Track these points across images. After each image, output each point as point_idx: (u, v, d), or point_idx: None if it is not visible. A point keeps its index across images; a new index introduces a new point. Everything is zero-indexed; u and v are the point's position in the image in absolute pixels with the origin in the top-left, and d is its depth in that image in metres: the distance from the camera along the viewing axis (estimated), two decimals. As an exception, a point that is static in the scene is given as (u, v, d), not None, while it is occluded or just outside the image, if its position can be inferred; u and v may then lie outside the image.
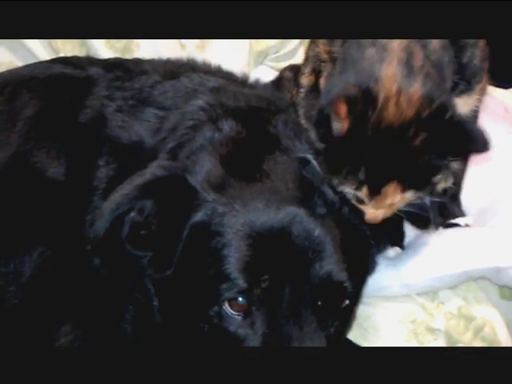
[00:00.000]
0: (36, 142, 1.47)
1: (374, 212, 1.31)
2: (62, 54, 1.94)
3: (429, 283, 1.51)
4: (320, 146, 1.33)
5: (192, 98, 1.52)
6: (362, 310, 1.44)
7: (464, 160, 1.56)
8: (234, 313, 1.23)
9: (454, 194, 1.61)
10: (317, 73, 1.48)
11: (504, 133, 1.78)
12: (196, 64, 1.71)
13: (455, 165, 1.54)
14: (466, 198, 1.64)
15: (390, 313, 1.50)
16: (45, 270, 1.38)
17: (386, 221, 1.36)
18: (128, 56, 1.96)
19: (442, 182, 1.59)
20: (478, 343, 1.50)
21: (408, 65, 1.25)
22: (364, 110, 1.22)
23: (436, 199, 1.62)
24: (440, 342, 1.49)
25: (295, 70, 1.71)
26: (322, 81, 1.45)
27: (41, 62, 1.77)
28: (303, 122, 1.48)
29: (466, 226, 1.60)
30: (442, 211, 1.62)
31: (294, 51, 2.26)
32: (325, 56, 1.43)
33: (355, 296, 1.35)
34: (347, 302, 1.29)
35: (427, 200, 1.38)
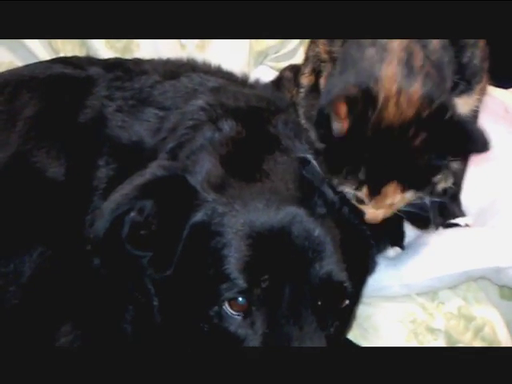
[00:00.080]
0: (36, 141, 1.47)
1: (373, 212, 1.31)
2: (61, 54, 1.94)
3: (429, 283, 1.51)
4: (320, 145, 1.33)
5: (192, 97, 1.52)
6: (361, 310, 1.43)
7: (464, 160, 1.56)
8: (233, 313, 1.23)
9: (454, 194, 1.61)
10: (317, 73, 1.48)
11: (504, 133, 1.78)
12: (196, 64, 1.71)
13: (455, 165, 1.54)
14: (466, 197, 1.64)
15: (390, 313, 1.50)
16: (45, 270, 1.38)
17: (386, 221, 1.36)
18: (128, 56, 1.96)
19: (442, 182, 1.59)
20: (478, 343, 1.50)
21: (408, 65, 1.25)
22: (364, 110, 1.22)
23: (436, 199, 1.62)
24: (440, 342, 1.49)
25: (295, 69, 1.71)
26: (322, 81, 1.45)
27: (41, 62, 1.77)
28: (303, 121, 1.48)
29: (466, 225, 1.60)
30: (442, 211, 1.62)
31: (294, 51, 2.26)
32: (325, 56, 1.43)
33: (355, 296, 1.35)
34: (347, 302, 1.29)
35: (427, 200, 1.38)
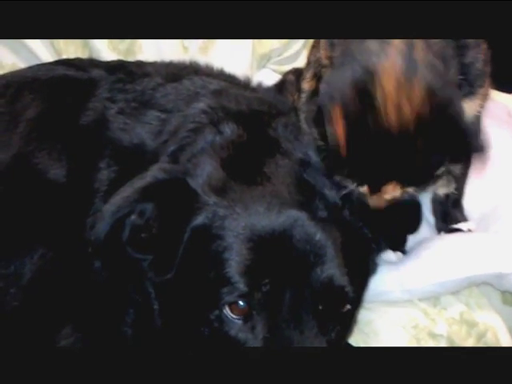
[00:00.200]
0: (37, 143, 1.47)
1: (376, 202, 1.29)
2: (64, 56, 1.94)
3: (431, 288, 1.50)
4: (321, 143, 1.33)
5: (194, 100, 1.52)
6: (363, 315, 1.43)
7: (466, 165, 1.56)
8: (234, 317, 1.22)
9: (456, 199, 1.61)
10: (318, 78, 1.47)
11: (507, 137, 1.78)
12: (198, 67, 1.71)
13: (457, 170, 1.53)
14: (469, 203, 1.64)
15: (392, 318, 1.50)
16: (45, 272, 1.37)
17: (387, 223, 1.36)
18: (131, 58, 1.95)
19: (445, 188, 1.59)
20: (480, 349, 1.50)
21: (409, 58, 1.21)
22: (361, 112, 1.20)
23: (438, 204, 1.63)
24: (442, 348, 1.48)
25: (298, 73, 1.71)
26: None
27: (43, 64, 1.77)
28: (304, 126, 1.47)
29: (469, 231, 1.60)
30: (444, 216, 1.62)
31: (296, 54, 2.25)
32: (326, 61, 1.42)
33: (356, 300, 1.35)
34: (348, 306, 1.29)
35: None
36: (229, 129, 1.42)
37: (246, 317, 1.22)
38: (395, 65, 1.20)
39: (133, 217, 1.30)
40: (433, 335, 1.47)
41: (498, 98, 1.92)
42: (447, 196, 1.60)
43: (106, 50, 1.99)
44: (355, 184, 1.27)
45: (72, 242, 1.39)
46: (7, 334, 1.37)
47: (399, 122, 1.19)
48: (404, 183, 1.25)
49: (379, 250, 1.47)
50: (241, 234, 1.25)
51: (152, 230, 1.32)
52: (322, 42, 1.43)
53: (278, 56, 2.26)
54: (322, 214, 1.31)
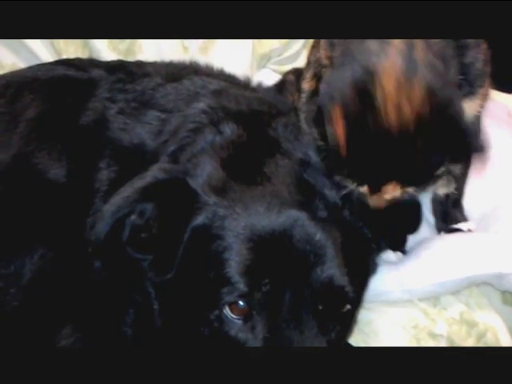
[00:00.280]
0: (37, 143, 1.47)
1: (376, 202, 1.30)
2: (64, 56, 1.94)
3: (431, 288, 1.50)
4: (321, 143, 1.33)
5: (194, 100, 1.52)
6: (363, 315, 1.43)
7: (466, 165, 1.56)
8: (234, 317, 1.22)
9: (456, 200, 1.61)
10: (318, 78, 1.47)
11: (507, 137, 1.78)
12: (198, 67, 1.71)
13: (457, 170, 1.53)
14: (469, 203, 1.64)
15: (392, 318, 1.50)
16: (45, 272, 1.37)
17: (387, 224, 1.36)
18: (131, 58, 1.95)
19: (444, 188, 1.59)
20: (480, 349, 1.50)
21: (409, 58, 1.21)
22: (361, 112, 1.20)
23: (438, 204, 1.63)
24: (442, 348, 1.48)
25: (298, 73, 1.71)
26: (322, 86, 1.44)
27: (43, 64, 1.77)
28: (304, 126, 1.47)
29: (469, 231, 1.60)
30: (445, 216, 1.62)
31: (297, 54, 2.25)
32: (326, 61, 1.42)
33: (356, 300, 1.34)
34: (348, 306, 1.29)
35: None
36: (229, 129, 1.42)
37: (246, 317, 1.22)
38: (395, 65, 1.20)
39: (133, 217, 1.30)
40: (433, 335, 1.47)
41: (498, 98, 1.92)
42: (447, 196, 1.60)
43: (106, 50, 1.99)
44: (355, 184, 1.27)
45: (72, 242, 1.39)
46: (7, 334, 1.37)
47: (399, 122, 1.19)
48: (404, 183, 1.25)
49: (379, 250, 1.47)
50: (241, 233, 1.25)
51: (152, 230, 1.31)
52: (322, 42, 1.43)
53: (278, 56, 2.26)
54: (322, 214, 1.31)
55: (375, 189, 1.26)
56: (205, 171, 1.33)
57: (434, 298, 1.52)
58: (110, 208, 1.27)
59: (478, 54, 1.38)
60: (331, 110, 1.21)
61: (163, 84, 1.57)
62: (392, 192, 1.26)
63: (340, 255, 1.28)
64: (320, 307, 1.23)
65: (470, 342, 1.49)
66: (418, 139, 1.20)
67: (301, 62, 2.00)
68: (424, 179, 1.29)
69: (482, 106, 1.42)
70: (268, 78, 2.06)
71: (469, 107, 1.38)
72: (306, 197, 1.32)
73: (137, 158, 1.45)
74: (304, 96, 1.52)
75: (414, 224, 1.46)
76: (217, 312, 1.23)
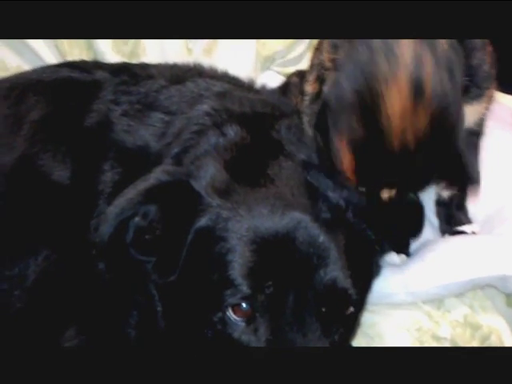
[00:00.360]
0: (42, 145, 1.47)
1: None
2: (68, 58, 1.94)
3: (435, 291, 1.50)
4: (324, 149, 1.34)
5: (197, 102, 1.52)
6: (367, 318, 1.42)
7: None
8: (237, 319, 1.22)
9: (459, 202, 1.61)
10: (321, 81, 1.47)
11: (511, 140, 1.78)
12: (202, 69, 1.71)
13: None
14: (473, 205, 1.63)
15: (396, 321, 1.49)
16: (50, 274, 1.37)
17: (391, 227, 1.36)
18: (135, 60, 1.96)
19: (448, 190, 1.59)
20: (484, 352, 1.49)
21: (417, 80, 1.23)
22: (366, 138, 1.23)
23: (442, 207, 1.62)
24: (446, 351, 1.48)
25: (302, 75, 1.71)
26: (325, 89, 1.44)
27: (48, 66, 1.78)
28: (307, 129, 1.47)
29: (473, 233, 1.60)
30: (448, 219, 1.62)
31: (300, 56, 2.25)
32: (329, 64, 1.42)
33: (360, 303, 1.34)
34: (352, 309, 1.29)
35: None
36: (232, 131, 1.42)
37: (249, 319, 1.22)
38: (402, 91, 1.22)
39: (136, 219, 1.30)
40: (437, 338, 1.47)
41: (502, 100, 1.92)
42: (451, 198, 1.60)
43: (110, 52, 2.00)
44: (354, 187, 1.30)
45: (76, 243, 1.39)
46: (11, 335, 1.37)
47: (402, 146, 1.22)
48: (399, 189, 1.27)
49: (383, 252, 1.47)
50: (244, 236, 1.25)
51: (155, 232, 1.31)
52: (325, 44, 1.43)
53: (282, 58, 2.26)
54: (326, 215, 1.31)
55: (372, 193, 1.29)
56: (208, 173, 1.33)
57: (437, 301, 1.52)
58: (113, 210, 1.27)
59: (485, 55, 1.38)
60: (338, 142, 1.23)
61: (167, 86, 1.58)
62: (388, 195, 1.29)
63: (343, 257, 1.27)
64: (323, 309, 1.23)
65: (473, 345, 1.48)
66: (417, 158, 1.23)
67: (304, 64, 2.01)
68: (419, 186, 1.31)
69: (487, 108, 1.43)
70: (272, 80, 2.06)
71: (475, 110, 1.39)
72: (309, 199, 1.32)
73: (140, 160, 1.45)
74: (307, 99, 1.52)
75: (416, 228, 1.46)
76: (220, 314, 1.22)
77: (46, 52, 1.95)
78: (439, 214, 1.64)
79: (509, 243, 1.55)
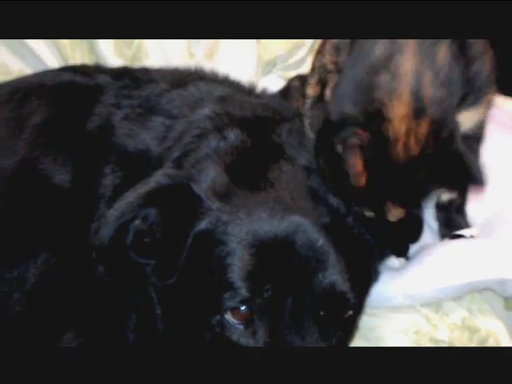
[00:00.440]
0: (43, 148, 1.48)
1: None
2: (70, 62, 1.95)
3: (433, 294, 1.50)
4: (326, 168, 1.34)
5: (198, 106, 1.53)
6: (365, 321, 1.43)
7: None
8: (235, 322, 1.23)
9: (459, 205, 1.61)
10: (323, 84, 1.48)
11: (511, 143, 1.78)
12: (204, 73, 1.72)
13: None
14: (473, 208, 1.64)
15: (394, 324, 1.49)
16: (49, 277, 1.38)
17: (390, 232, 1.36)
18: (137, 64, 1.97)
19: (448, 194, 1.59)
20: (481, 355, 1.49)
21: (418, 95, 1.25)
22: (375, 153, 1.25)
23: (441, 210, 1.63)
24: (444, 354, 1.48)
25: (303, 79, 1.71)
26: (327, 91, 1.45)
27: (50, 70, 1.79)
28: (308, 132, 1.48)
29: (471, 237, 1.60)
30: (448, 222, 1.62)
31: (302, 61, 2.25)
32: (331, 67, 1.43)
33: (358, 306, 1.35)
34: (350, 312, 1.29)
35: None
36: (233, 134, 1.43)
37: (248, 322, 1.23)
38: (405, 106, 1.25)
39: (136, 222, 1.31)
40: (434, 341, 1.47)
41: (502, 103, 1.92)
42: (450, 202, 1.61)
43: (112, 56, 2.00)
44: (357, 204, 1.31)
45: (76, 246, 1.40)
46: (10, 338, 1.37)
47: (406, 157, 1.25)
48: (403, 204, 1.29)
49: (382, 257, 1.47)
50: (243, 239, 1.26)
51: (155, 235, 1.32)
52: (327, 47, 1.45)
53: (283, 62, 2.26)
54: (325, 219, 1.31)
55: (376, 210, 1.30)
56: (209, 177, 1.33)
57: (436, 304, 1.52)
58: (114, 213, 1.28)
59: (484, 62, 1.39)
60: (351, 151, 1.24)
61: (169, 90, 1.58)
62: (392, 211, 1.30)
63: (342, 261, 1.28)
64: (321, 313, 1.23)
65: (471, 348, 1.49)
66: (422, 169, 1.25)
67: (306, 69, 2.01)
68: (422, 199, 1.33)
69: (486, 113, 1.43)
70: (273, 84, 2.07)
71: (474, 115, 1.40)
72: (309, 203, 1.33)
73: (141, 164, 1.46)
74: (308, 102, 1.53)
75: (415, 233, 1.46)
76: (218, 317, 1.23)
77: (49, 56, 1.95)
78: (438, 218, 1.65)
79: (507, 246, 1.56)
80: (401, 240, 1.49)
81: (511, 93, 2.03)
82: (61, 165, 1.46)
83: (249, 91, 1.69)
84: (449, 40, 1.32)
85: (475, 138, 1.45)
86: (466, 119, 1.35)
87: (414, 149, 1.24)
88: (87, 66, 1.81)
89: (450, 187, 1.45)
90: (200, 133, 1.45)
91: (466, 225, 1.61)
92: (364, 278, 1.38)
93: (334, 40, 1.44)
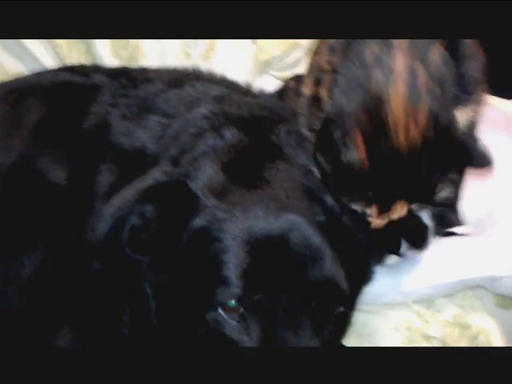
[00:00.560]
0: (39, 147, 1.48)
1: (378, 222, 1.32)
2: (67, 62, 1.95)
3: (425, 291, 1.51)
4: (327, 167, 1.34)
5: (195, 106, 1.53)
6: (357, 317, 1.44)
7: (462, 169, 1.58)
8: (229, 317, 1.24)
9: (452, 203, 1.62)
10: (318, 83, 1.49)
11: (504, 143, 1.79)
12: (200, 73, 1.73)
13: (453, 174, 1.55)
14: (465, 207, 1.65)
15: (386, 320, 1.50)
16: (44, 273, 1.38)
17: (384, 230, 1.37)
18: (134, 64, 1.97)
19: (446, 191, 1.60)
20: (472, 351, 1.51)
21: (413, 86, 1.27)
22: (375, 137, 1.25)
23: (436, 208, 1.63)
24: (435, 350, 1.49)
25: (299, 80, 1.72)
26: (322, 91, 1.47)
27: (47, 70, 1.80)
28: (303, 130, 1.49)
29: (464, 234, 1.61)
30: (440, 220, 1.63)
31: (298, 61, 2.26)
32: (326, 66, 1.44)
33: (351, 303, 1.36)
34: (342, 309, 1.30)
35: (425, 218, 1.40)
36: (230, 133, 1.43)
37: (241, 318, 1.24)
38: (402, 93, 1.26)
39: (132, 218, 1.31)
40: (426, 337, 1.48)
41: (496, 103, 1.93)
42: (444, 200, 1.61)
43: (108, 56, 2.01)
44: (363, 205, 1.30)
45: (71, 243, 1.41)
46: (5, 334, 1.38)
47: (408, 143, 1.25)
48: (411, 200, 1.29)
49: (378, 259, 1.48)
50: (238, 236, 1.27)
51: (151, 232, 1.33)
52: (323, 47, 1.46)
53: (280, 63, 2.27)
54: (320, 218, 1.32)
55: (384, 208, 1.29)
56: (205, 174, 1.34)
57: (428, 301, 1.53)
58: (110, 209, 1.29)
59: (475, 62, 1.41)
60: (354, 135, 1.25)
61: (165, 90, 1.59)
62: (400, 210, 1.29)
63: (336, 258, 1.29)
64: (314, 306, 1.24)
65: (462, 344, 1.49)
66: (425, 157, 1.25)
67: (302, 69, 2.01)
68: (429, 195, 1.32)
69: (477, 112, 1.45)
70: (269, 84, 2.08)
71: (464, 114, 1.41)
72: (304, 201, 1.34)
73: (137, 162, 1.46)
74: (304, 100, 1.54)
75: (418, 238, 1.47)
76: (212, 313, 1.24)
77: (45, 56, 1.96)
78: (431, 216, 1.66)
79: (498, 245, 1.57)
80: (397, 241, 1.49)
81: (504, 93, 2.05)
82: (57, 162, 1.47)
83: (245, 91, 1.70)
84: (440, 40, 1.33)
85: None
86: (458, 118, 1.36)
87: (415, 134, 1.25)
88: (84, 65, 1.81)
89: (454, 175, 1.45)
90: (197, 132, 1.46)
91: (459, 223, 1.63)
92: (358, 277, 1.39)
93: (329, 40, 1.45)
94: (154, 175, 1.32)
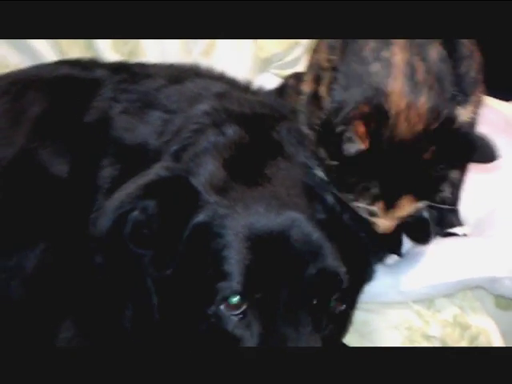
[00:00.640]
0: (41, 140, 1.48)
1: (386, 223, 1.32)
2: (68, 56, 1.95)
3: (425, 291, 1.52)
4: (331, 163, 1.34)
5: (197, 102, 1.53)
6: (358, 316, 1.44)
7: (462, 170, 1.58)
8: (230, 313, 1.24)
9: (452, 204, 1.63)
10: (318, 80, 1.50)
11: (504, 145, 1.79)
12: (199, 70, 1.73)
13: (453, 174, 1.55)
14: (465, 208, 1.66)
15: (386, 319, 1.51)
16: (47, 266, 1.39)
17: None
18: (134, 60, 1.96)
19: (447, 189, 1.61)
20: (472, 352, 1.51)
21: (412, 79, 1.28)
22: (378, 128, 1.25)
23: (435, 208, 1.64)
24: (435, 350, 1.49)
25: (299, 77, 1.73)
26: (321, 88, 1.47)
27: (48, 64, 1.79)
28: (303, 127, 1.49)
29: (464, 235, 1.61)
30: (440, 220, 1.64)
31: (298, 59, 2.27)
32: (326, 64, 1.45)
33: (352, 302, 1.36)
34: (343, 306, 1.30)
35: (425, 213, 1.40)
36: (231, 130, 1.43)
37: (242, 313, 1.24)
38: (402, 87, 1.27)
39: (135, 213, 1.31)
40: (426, 337, 1.49)
41: (495, 106, 1.94)
42: (443, 200, 1.62)
43: (109, 51, 2.01)
44: (368, 202, 1.30)
45: (74, 236, 1.41)
46: (8, 326, 1.38)
47: (411, 135, 1.25)
48: (417, 196, 1.28)
49: (378, 257, 1.48)
50: (240, 232, 1.27)
51: (153, 226, 1.33)
52: (323, 46, 1.46)
53: (279, 61, 2.28)
54: (321, 216, 1.33)
55: (390, 204, 1.29)
56: (207, 170, 1.34)
57: (428, 301, 1.54)
58: (113, 203, 1.28)
59: (472, 63, 1.42)
60: (357, 127, 1.24)
61: (166, 85, 1.59)
62: (407, 207, 1.29)
63: (337, 254, 1.29)
64: (315, 302, 1.24)
65: (462, 345, 1.50)
66: (428, 148, 1.25)
67: (301, 67, 2.01)
68: (434, 190, 1.33)
69: (475, 112, 1.46)
70: (269, 82, 2.08)
71: (462, 114, 1.42)
72: (305, 199, 1.34)
73: (139, 157, 1.46)
74: (304, 98, 1.54)
75: (422, 235, 1.47)
76: (213, 308, 1.24)
77: (47, 50, 1.96)
78: (431, 216, 1.66)
79: (498, 246, 1.58)
80: (397, 240, 1.50)
81: (503, 96, 2.06)
82: (59, 156, 1.47)
83: (245, 88, 1.70)
84: (438, 40, 1.34)
85: None
86: None
87: (417, 123, 1.25)
88: (85, 59, 1.80)
89: (457, 168, 1.45)
90: (198, 128, 1.46)
91: (459, 223, 1.63)
92: (359, 275, 1.39)
93: (329, 39, 1.46)
94: (157, 170, 1.31)
